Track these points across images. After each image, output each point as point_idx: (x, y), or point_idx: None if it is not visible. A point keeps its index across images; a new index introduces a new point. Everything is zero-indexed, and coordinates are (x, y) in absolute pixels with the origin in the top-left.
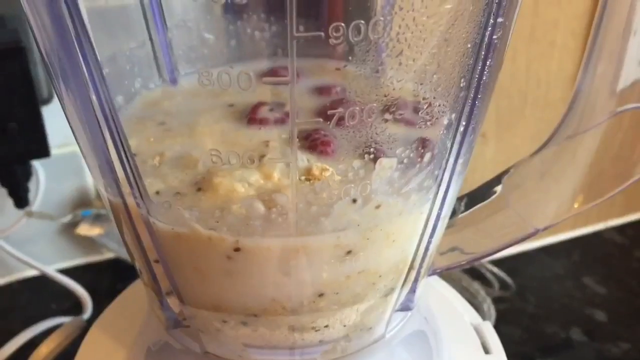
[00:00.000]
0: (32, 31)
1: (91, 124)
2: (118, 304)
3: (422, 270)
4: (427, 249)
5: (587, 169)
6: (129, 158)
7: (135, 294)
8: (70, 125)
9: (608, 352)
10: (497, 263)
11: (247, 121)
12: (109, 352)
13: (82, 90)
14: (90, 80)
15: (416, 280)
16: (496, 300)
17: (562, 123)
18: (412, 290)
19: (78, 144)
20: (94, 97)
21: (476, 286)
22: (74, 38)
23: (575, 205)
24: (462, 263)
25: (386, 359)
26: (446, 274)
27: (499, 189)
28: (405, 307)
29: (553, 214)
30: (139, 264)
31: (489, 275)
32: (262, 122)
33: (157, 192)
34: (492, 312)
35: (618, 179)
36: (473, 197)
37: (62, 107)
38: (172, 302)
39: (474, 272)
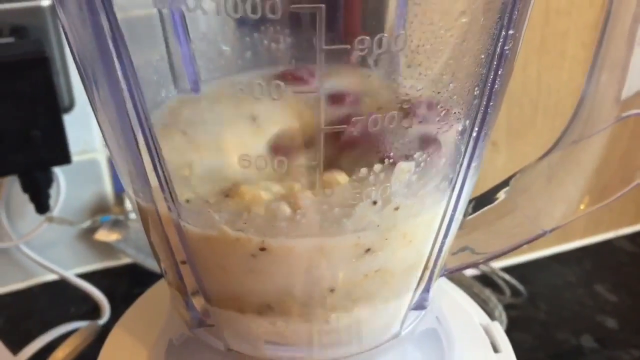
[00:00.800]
0: (67, 40)
1: (125, 130)
2: (139, 305)
3: (436, 270)
4: (440, 249)
5: (592, 172)
6: (162, 165)
7: (156, 296)
8: (102, 131)
9: (619, 359)
10: (509, 270)
11: None
12: (132, 350)
13: (118, 97)
14: (126, 87)
15: (430, 280)
16: (508, 307)
17: (568, 129)
18: (427, 290)
19: (109, 149)
20: (129, 105)
21: (488, 293)
22: (111, 47)
23: (581, 207)
24: (473, 263)
25: (400, 356)
26: (458, 281)
27: (507, 192)
28: (420, 306)
29: (560, 215)
30: (165, 265)
31: (500, 282)
32: None
33: (188, 201)
34: (504, 319)
35: (622, 182)
36: (481, 200)
37: (95, 113)
38: (197, 301)
39: (486, 279)
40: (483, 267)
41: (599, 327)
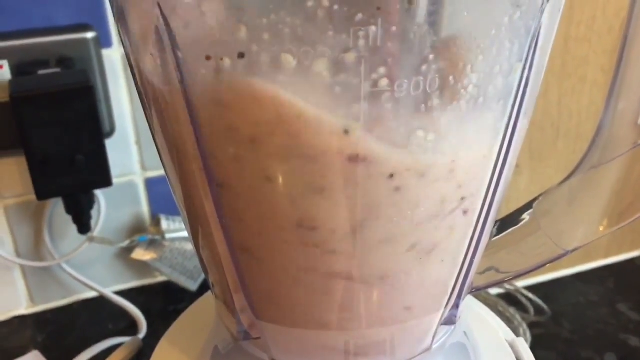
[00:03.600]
0: (131, 69)
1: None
2: (184, 319)
3: (465, 288)
4: (469, 267)
5: (610, 196)
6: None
7: (200, 310)
8: (159, 153)
9: None
10: (533, 289)
11: None
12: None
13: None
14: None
15: (459, 297)
16: (532, 325)
17: (587, 154)
18: (456, 306)
19: (166, 172)
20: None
21: (512, 311)
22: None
23: (601, 229)
24: (498, 281)
25: None
26: (484, 299)
27: (530, 214)
28: (449, 321)
29: (581, 237)
30: (213, 279)
31: (524, 300)
32: None
33: None
34: (528, 337)
35: (639, 205)
36: (505, 222)
37: (153, 136)
38: (244, 315)
39: (510, 298)
40: (507, 286)
41: (622, 346)
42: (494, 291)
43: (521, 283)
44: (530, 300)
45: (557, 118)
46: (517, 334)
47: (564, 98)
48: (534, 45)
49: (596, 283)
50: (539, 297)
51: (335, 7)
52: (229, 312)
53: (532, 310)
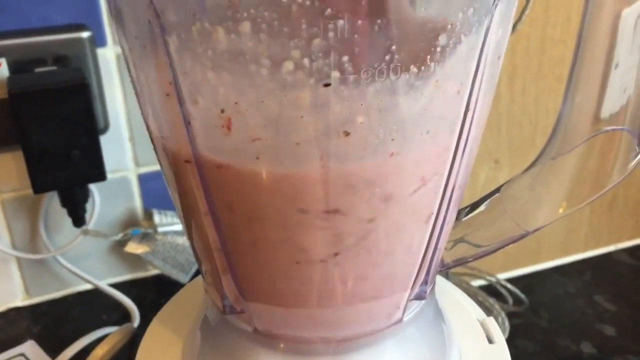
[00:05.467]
0: (128, 68)
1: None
2: (174, 302)
3: (433, 265)
4: (436, 246)
5: (568, 182)
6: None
7: (189, 294)
8: (155, 151)
9: None
10: (513, 281)
11: None
12: (171, 334)
13: None
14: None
15: (427, 274)
16: (510, 315)
17: (547, 145)
18: (425, 282)
19: (164, 176)
20: None
21: (491, 301)
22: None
23: (560, 211)
24: (465, 259)
25: (402, 341)
26: (464, 290)
27: (496, 198)
28: (419, 297)
29: (542, 219)
30: (204, 263)
31: (504, 291)
32: None
33: None
34: (507, 326)
35: (594, 189)
36: (475, 206)
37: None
38: (230, 294)
39: (490, 289)
40: (489, 277)
41: (598, 335)
42: (475, 282)
43: (502, 275)
44: (509, 291)
45: (534, 116)
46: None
47: (541, 97)
48: (487, 40)
49: (574, 275)
50: (519, 289)
51: None
52: (216, 291)
53: (511, 300)
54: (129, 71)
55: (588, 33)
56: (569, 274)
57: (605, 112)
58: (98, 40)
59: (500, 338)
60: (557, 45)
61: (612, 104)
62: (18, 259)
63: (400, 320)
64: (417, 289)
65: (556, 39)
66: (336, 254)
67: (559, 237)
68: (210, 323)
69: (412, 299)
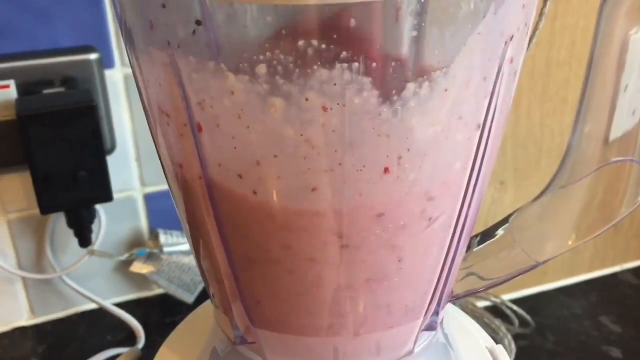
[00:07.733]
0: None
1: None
2: (182, 328)
3: (444, 296)
4: (447, 278)
5: (578, 213)
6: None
7: (198, 319)
8: (164, 170)
9: None
10: (518, 302)
11: None
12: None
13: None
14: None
15: (439, 305)
16: (517, 337)
17: (557, 175)
18: (436, 313)
19: (169, 185)
20: None
21: (498, 323)
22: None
23: (569, 243)
24: (476, 290)
25: None
26: (471, 312)
27: (506, 228)
28: (430, 327)
29: (551, 250)
30: (213, 289)
31: (510, 313)
32: None
33: None
34: (513, 348)
35: (603, 221)
36: (485, 235)
37: (159, 155)
38: (241, 322)
39: (496, 310)
40: (494, 299)
41: (604, 357)
42: (481, 304)
43: (507, 296)
44: (515, 312)
45: (540, 138)
46: (503, 346)
47: (546, 119)
48: (500, 80)
49: (580, 297)
50: (524, 310)
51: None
52: (226, 319)
53: (517, 322)
54: (140, 95)
55: (599, 55)
56: (574, 295)
57: (615, 136)
58: (106, 62)
59: None
60: (563, 67)
61: (621, 126)
62: (24, 279)
63: (411, 352)
64: (428, 320)
65: (561, 62)
66: (349, 285)
67: (565, 257)
68: (219, 354)
69: (424, 330)
